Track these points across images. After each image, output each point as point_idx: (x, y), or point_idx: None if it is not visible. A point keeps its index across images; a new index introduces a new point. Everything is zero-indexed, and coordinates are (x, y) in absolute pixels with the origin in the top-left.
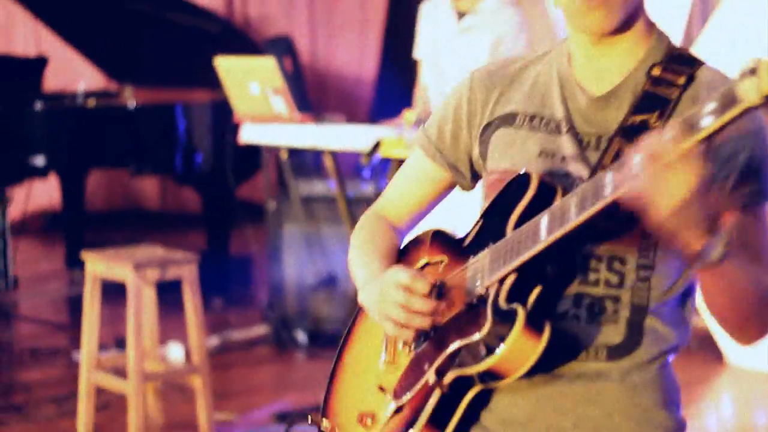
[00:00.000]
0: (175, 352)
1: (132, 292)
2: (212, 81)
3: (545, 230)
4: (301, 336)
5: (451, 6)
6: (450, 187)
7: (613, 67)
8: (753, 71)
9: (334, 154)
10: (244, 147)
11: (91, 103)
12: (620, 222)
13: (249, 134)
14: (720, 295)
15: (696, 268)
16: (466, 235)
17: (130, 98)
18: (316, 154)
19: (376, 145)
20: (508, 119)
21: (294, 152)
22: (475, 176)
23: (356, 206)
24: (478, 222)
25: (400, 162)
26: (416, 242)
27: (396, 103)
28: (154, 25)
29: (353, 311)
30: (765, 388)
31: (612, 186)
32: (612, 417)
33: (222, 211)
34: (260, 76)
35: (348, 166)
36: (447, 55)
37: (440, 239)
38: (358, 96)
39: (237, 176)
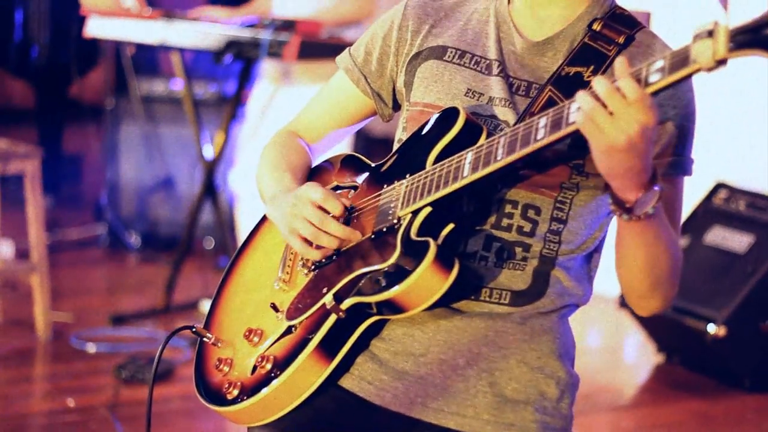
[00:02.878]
0: (4, 249)
1: None
2: None
3: (469, 168)
4: (136, 238)
5: None
6: (370, 115)
7: (554, 16)
8: (710, 33)
9: (182, 53)
10: (80, 42)
11: None
12: (540, 170)
13: (96, 28)
14: (640, 253)
15: (625, 219)
16: (382, 163)
17: None
18: (157, 53)
19: (228, 45)
20: (438, 52)
21: (135, 49)
22: (397, 106)
23: (201, 107)
24: (396, 151)
25: (251, 63)
26: (327, 164)
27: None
28: None
29: (190, 214)
30: (598, 310)
31: (544, 131)
32: (507, 359)
33: (56, 107)
34: None
35: (194, 65)
36: None
37: (353, 164)
38: None
39: (73, 72)
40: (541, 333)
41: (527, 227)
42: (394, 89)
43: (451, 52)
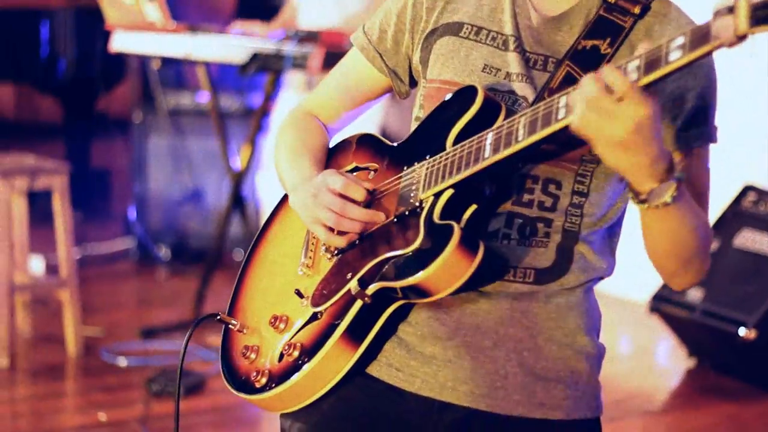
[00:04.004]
0: (35, 264)
1: (0, 201)
2: None
3: (490, 149)
4: (165, 251)
5: None
6: (386, 92)
7: None
8: (731, 9)
9: (207, 66)
10: (106, 57)
11: None
12: (562, 145)
13: (121, 43)
14: (663, 238)
15: (644, 208)
16: (401, 143)
17: None
18: (183, 66)
19: (253, 58)
20: (454, 28)
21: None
22: (413, 83)
23: (228, 120)
24: (415, 131)
25: (277, 75)
26: (345, 145)
27: (257, 15)
28: None
29: (219, 227)
30: (629, 315)
31: (566, 110)
32: (534, 339)
33: (83, 122)
34: None
35: (219, 78)
36: None
37: (371, 144)
38: (219, 6)
39: (99, 87)
40: (567, 309)
41: (548, 202)
42: (410, 66)
43: (467, 28)
